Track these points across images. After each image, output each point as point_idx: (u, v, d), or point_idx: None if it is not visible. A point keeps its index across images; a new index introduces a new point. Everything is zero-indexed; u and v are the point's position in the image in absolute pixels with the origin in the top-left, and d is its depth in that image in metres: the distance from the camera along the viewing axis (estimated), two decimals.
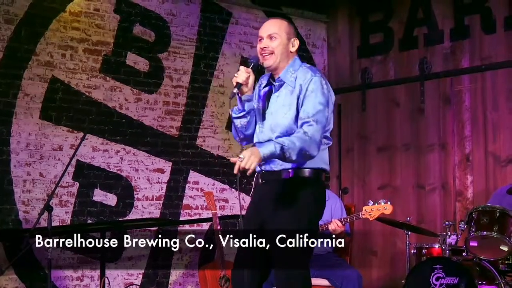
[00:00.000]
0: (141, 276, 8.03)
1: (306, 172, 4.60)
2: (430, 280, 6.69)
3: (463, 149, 8.31)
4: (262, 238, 4.58)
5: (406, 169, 8.75)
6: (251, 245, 4.60)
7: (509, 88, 8.03)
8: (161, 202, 8.19)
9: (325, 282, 6.55)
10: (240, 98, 4.67)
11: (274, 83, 4.71)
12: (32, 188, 7.41)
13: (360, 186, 9.13)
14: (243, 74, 4.62)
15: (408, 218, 7.26)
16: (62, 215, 7.56)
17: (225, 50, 8.69)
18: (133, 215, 7.97)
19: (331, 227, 6.51)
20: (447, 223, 6.89)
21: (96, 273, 7.62)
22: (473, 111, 8.27)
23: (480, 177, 8.15)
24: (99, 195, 7.81)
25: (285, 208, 4.52)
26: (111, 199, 7.87)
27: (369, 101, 9.15)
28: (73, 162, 7.54)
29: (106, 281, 7.12)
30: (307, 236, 4.52)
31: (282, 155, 4.39)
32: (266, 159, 4.41)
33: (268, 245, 4.56)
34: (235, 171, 4.34)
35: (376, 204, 6.63)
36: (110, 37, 7.94)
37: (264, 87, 4.77)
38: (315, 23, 9.55)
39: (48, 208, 6.03)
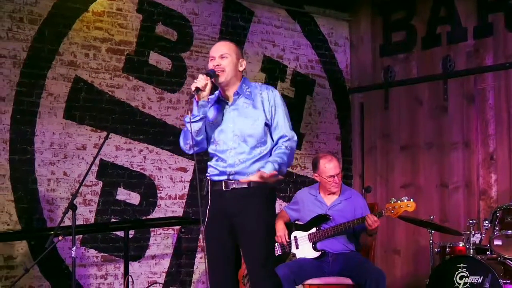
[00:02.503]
0: (164, 274, 8.06)
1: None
2: (454, 279, 6.68)
3: (487, 148, 8.28)
4: (232, 239, 5.06)
5: (430, 168, 8.72)
6: (222, 246, 5.06)
7: None
8: (184, 200, 8.21)
9: (348, 281, 6.54)
10: (197, 102, 4.99)
11: (225, 99, 5.14)
12: (56, 187, 7.45)
13: (383, 184, 9.11)
14: (202, 81, 4.96)
15: (432, 217, 7.24)
16: (86, 214, 7.60)
17: (247, 49, 8.70)
18: (156, 214, 8.00)
19: (369, 221, 6.50)
20: (471, 221, 6.87)
21: (120, 272, 7.65)
22: (497, 109, 8.23)
23: (504, 175, 8.11)
24: (122, 194, 7.84)
25: (255, 211, 4.99)
26: (134, 198, 7.90)
27: (392, 100, 9.13)
28: (97, 161, 7.57)
29: (130, 279, 7.15)
30: (272, 236, 5.19)
31: (279, 170, 4.97)
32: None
33: (240, 246, 5.08)
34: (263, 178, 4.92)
35: (399, 201, 6.61)
36: (133, 36, 7.97)
37: (214, 103, 5.16)
38: (337, 22, 9.54)
39: (72, 207, 6.05)
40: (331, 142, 9.37)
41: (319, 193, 6.84)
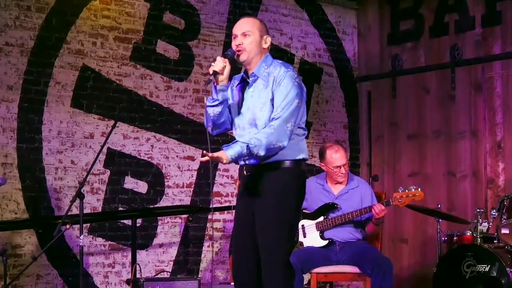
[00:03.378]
0: (172, 263, 8.07)
1: (288, 163, 4.82)
2: (461, 267, 6.69)
3: (494, 136, 8.27)
4: (254, 227, 4.84)
5: (437, 157, 8.71)
6: (244, 235, 4.89)
7: None
8: (192, 189, 8.22)
9: (355, 269, 6.55)
10: (215, 87, 4.85)
11: (248, 79, 4.93)
12: (63, 176, 7.46)
13: (391, 173, 9.10)
14: (220, 63, 4.80)
15: (439, 206, 7.24)
16: (93, 202, 7.61)
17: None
18: (163, 203, 8.01)
19: (376, 209, 6.49)
20: (478, 210, 6.87)
21: (128, 260, 7.67)
22: (504, 98, 8.22)
23: None
24: (130, 183, 7.85)
25: (269, 198, 4.78)
26: (142, 187, 7.92)
27: (400, 88, 9.12)
28: (104, 149, 7.58)
29: (137, 268, 7.16)
30: (288, 223, 4.82)
31: (249, 154, 4.66)
32: (234, 160, 4.68)
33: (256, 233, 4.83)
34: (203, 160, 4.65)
35: (406, 190, 6.61)
36: (140, 25, 7.97)
37: (239, 84, 4.98)
38: (345, 10, 9.52)
39: (79, 195, 6.08)
40: (338, 131, 9.36)
41: (326, 182, 6.84)
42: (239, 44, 4.85)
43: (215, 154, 4.59)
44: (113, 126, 6.53)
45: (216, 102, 4.85)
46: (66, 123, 7.50)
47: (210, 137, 4.89)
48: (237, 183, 7.68)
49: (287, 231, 4.83)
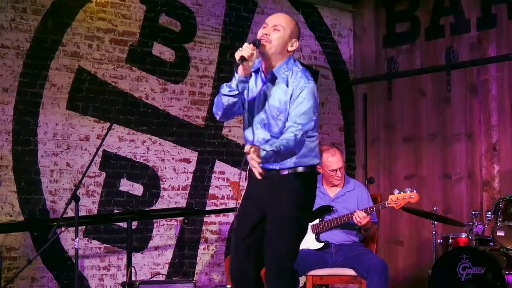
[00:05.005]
0: (167, 265, 8.07)
1: (305, 169, 4.79)
2: (457, 270, 6.68)
3: (489, 139, 8.27)
4: (260, 229, 4.79)
5: (433, 159, 8.72)
6: (248, 235, 4.82)
7: None
8: (187, 192, 8.21)
9: (351, 271, 6.54)
10: (238, 74, 4.66)
11: (263, 73, 4.80)
12: (59, 178, 7.46)
13: (386, 176, 9.11)
14: (248, 50, 4.60)
15: (435, 208, 7.25)
16: (89, 205, 7.61)
17: (250, 40, 8.65)
18: (159, 205, 8.00)
19: (355, 219, 6.48)
20: (473, 212, 6.88)
21: (123, 263, 7.66)
22: (500, 100, 8.23)
23: (507, 166, 8.11)
24: (125, 185, 7.84)
25: (283, 201, 4.74)
26: (137, 189, 7.91)
27: (395, 91, 9.13)
28: (100, 152, 7.57)
29: (133, 270, 7.16)
30: (299, 225, 4.80)
31: (274, 159, 4.59)
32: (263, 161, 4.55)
33: (265, 235, 4.76)
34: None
35: (402, 192, 6.60)
36: (136, 27, 7.96)
37: (254, 74, 4.82)
38: (341, 13, 9.53)
39: (75, 198, 6.07)
40: (334, 133, 9.36)
41: (322, 184, 6.83)
42: (266, 34, 4.71)
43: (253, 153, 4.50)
44: (109, 129, 6.53)
45: (235, 93, 4.68)
46: (61, 125, 7.49)
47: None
48: (234, 186, 7.69)
49: (295, 242, 4.79)
